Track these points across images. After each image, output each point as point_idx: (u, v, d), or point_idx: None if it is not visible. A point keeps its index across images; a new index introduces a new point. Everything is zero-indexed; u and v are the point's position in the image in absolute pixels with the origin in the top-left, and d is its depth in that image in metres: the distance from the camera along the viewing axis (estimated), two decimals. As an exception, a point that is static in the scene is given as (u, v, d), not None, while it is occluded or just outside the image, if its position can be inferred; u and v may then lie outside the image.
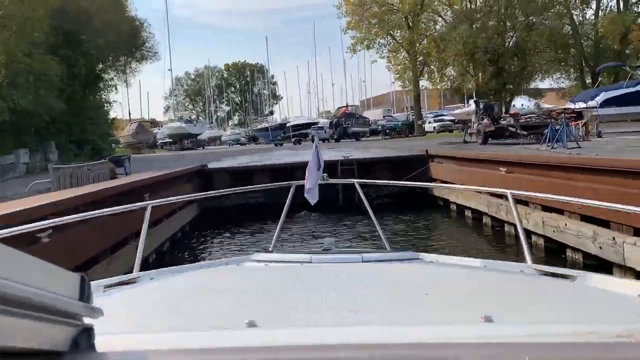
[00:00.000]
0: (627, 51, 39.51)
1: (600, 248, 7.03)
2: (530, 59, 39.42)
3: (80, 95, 25.86)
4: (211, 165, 15.63)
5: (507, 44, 40.34)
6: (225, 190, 4.93)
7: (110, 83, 31.25)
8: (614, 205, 2.35)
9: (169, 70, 67.06)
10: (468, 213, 12.55)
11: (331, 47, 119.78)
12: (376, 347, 0.86)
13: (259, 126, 62.28)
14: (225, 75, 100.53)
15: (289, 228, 11.50)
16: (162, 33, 65.83)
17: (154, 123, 72.51)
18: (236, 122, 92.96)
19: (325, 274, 1.89)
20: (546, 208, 8.73)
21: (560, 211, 8.32)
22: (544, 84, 48.67)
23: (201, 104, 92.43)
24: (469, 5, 42.27)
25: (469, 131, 21.36)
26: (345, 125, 44.92)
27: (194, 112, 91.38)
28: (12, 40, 19.25)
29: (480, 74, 41.11)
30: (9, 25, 19.23)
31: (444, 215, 14.10)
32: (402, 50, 44.98)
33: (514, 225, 10.00)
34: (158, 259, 10.14)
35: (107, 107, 31.46)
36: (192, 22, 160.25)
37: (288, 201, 3.28)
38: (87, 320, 0.82)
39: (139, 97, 79.68)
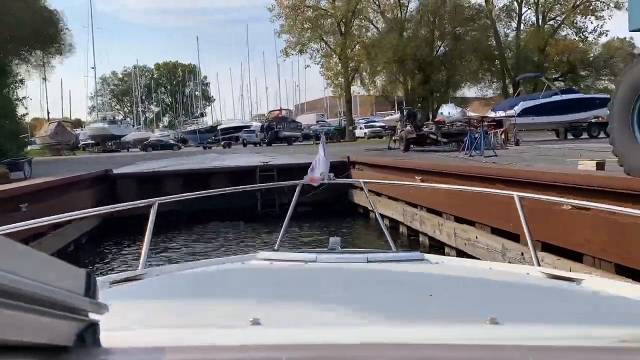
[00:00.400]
0: (546, 63, 41.52)
1: (510, 262, 6.77)
2: (456, 68, 40.59)
3: (-19, 91, 23.67)
4: (116, 171, 14.44)
5: (435, 53, 41.35)
6: (216, 190, 4.35)
7: (17, 78, 28.93)
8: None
9: (92, 68, 63.99)
10: (386, 221, 12.23)
11: (265, 51, 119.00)
12: (380, 347, 0.86)
13: (189, 128, 60.49)
14: (156, 76, 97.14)
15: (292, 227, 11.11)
16: (85, 30, 62.73)
17: (78, 123, 68.83)
18: (166, 123, 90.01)
19: (330, 273, 1.88)
20: (458, 219, 8.47)
21: (472, 223, 8.07)
22: (470, 92, 50.38)
23: (129, 104, 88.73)
24: (399, 14, 42.98)
25: (393, 138, 21.35)
26: (276, 129, 44.37)
27: (121, 112, 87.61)
28: None
29: (409, 82, 41.94)
30: None
31: (364, 223, 13.80)
32: (334, 56, 44.99)
33: (428, 236, 9.75)
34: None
35: (14, 104, 29.03)
36: (120, 20, 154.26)
37: (294, 200, 3.29)
38: (92, 316, 0.82)
39: (60, 96, 75.07)
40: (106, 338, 0.84)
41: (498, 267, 2.12)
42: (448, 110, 52.69)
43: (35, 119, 68.70)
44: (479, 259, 6.59)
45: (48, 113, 62.67)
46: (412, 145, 18.95)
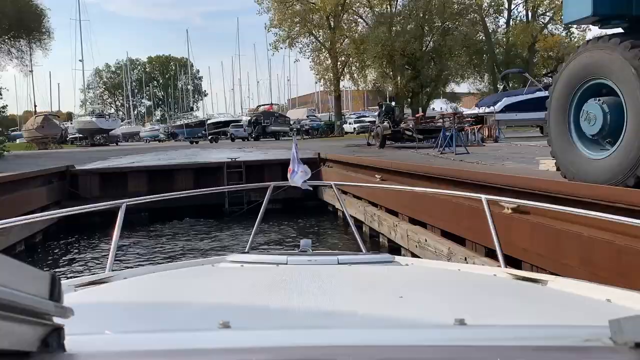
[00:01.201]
0: (535, 59, 41.28)
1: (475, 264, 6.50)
2: (445, 63, 40.28)
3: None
4: (79, 167, 14.04)
5: (424, 48, 40.99)
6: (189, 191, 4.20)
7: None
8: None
9: (80, 61, 63.42)
10: (351, 221, 11.96)
11: (256, 44, 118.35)
12: (349, 350, 0.86)
13: (178, 122, 60.10)
14: (148, 69, 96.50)
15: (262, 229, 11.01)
16: (73, 23, 62.19)
17: (69, 117, 68.29)
18: (158, 117, 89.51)
19: (300, 276, 1.86)
20: (412, 221, 8.17)
21: (424, 225, 7.78)
22: (461, 88, 50.15)
23: (121, 97, 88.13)
24: (389, 9, 42.62)
25: (372, 134, 21.07)
26: (264, 124, 44.02)
27: (112, 106, 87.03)
28: None
29: (398, 77, 41.62)
30: None
31: (332, 222, 13.53)
32: (323, 50, 44.63)
33: (387, 238, 9.45)
34: None
35: (-7, 97, 28.62)
36: (109, 12, 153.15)
37: (265, 202, 3.26)
38: (57, 320, 0.81)
39: (49, 89, 74.37)
40: (71, 343, 0.82)
41: (466, 268, 2.14)
42: (440, 106, 52.69)
43: (27, 111, 68.31)
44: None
45: (35, 106, 62.11)
46: (390, 141, 18.66)
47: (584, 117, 4.73)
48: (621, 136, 4.38)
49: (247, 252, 2.48)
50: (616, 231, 3.98)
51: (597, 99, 4.63)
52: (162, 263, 2.81)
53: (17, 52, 31.21)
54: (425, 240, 7.40)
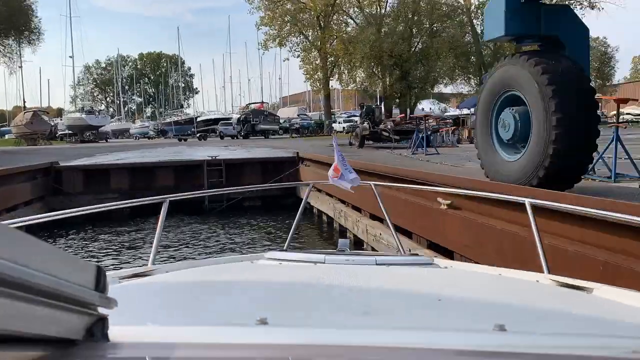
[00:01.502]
0: (520, 62, 41.79)
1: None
2: (433, 65, 40.80)
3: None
4: (63, 163, 14.46)
5: (412, 49, 41.51)
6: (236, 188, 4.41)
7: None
8: None
9: (70, 57, 63.46)
10: (324, 217, 12.48)
11: (247, 42, 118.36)
12: (386, 351, 0.86)
13: (168, 120, 60.27)
14: (139, 66, 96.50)
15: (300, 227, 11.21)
16: (63, 19, 62.13)
17: (59, 113, 68.24)
18: (149, 114, 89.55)
19: (338, 275, 1.86)
20: (372, 217, 8.71)
21: (381, 220, 8.31)
22: (449, 89, 50.73)
23: (112, 94, 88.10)
24: (378, 10, 43.08)
25: (353, 134, 21.60)
26: (253, 122, 44.35)
27: (103, 102, 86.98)
28: None
29: (387, 77, 42.11)
30: None
31: (308, 218, 14.00)
32: (313, 50, 45.02)
33: (353, 233, 9.99)
34: None
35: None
36: (99, 8, 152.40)
37: (304, 200, 3.36)
38: (101, 310, 0.82)
39: (38, 85, 74.44)
40: (114, 333, 0.85)
41: (507, 273, 2.06)
42: (429, 107, 53.12)
43: (16, 107, 68.23)
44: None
45: (24, 102, 62.11)
46: (369, 141, 19.18)
47: (500, 124, 5.32)
48: (528, 141, 4.97)
49: (286, 250, 2.51)
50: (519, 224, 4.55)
51: (511, 108, 5.21)
52: (202, 259, 2.90)
53: (5, 50, 31.38)
54: (380, 235, 7.94)
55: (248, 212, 14.58)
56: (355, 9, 44.21)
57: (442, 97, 57.78)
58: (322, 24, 43.83)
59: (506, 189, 4.99)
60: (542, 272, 2.06)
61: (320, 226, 12.82)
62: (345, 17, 44.93)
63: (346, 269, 1.98)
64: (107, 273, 0.85)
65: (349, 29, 44.50)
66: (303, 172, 14.79)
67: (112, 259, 10.41)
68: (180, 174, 14.35)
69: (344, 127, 48.07)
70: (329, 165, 11.85)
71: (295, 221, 3.30)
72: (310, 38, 45.13)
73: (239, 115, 52.07)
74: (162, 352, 0.87)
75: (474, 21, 42.94)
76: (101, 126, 51.81)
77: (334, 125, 47.73)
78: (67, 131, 53.70)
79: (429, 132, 14.86)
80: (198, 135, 45.13)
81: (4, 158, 18.03)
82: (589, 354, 0.85)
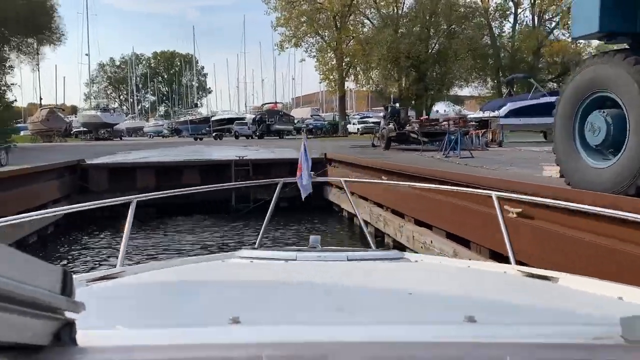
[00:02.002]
0: (540, 65, 41.37)
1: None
2: (450, 67, 40.41)
3: (-34, 76, 23.43)
4: (89, 161, 14.28)
5: (429, 50, 41.13)
6: (195, 188, 4.31)
7: (7, 64, 28.70)
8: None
9: (86, 55, 63.65)
10: (356, 221, 12.15)
11: (262, 42, 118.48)
12: (360, 346, 0.86)
13: (182, 119, 60.25)
14: (153, 64, 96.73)
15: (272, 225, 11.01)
16: (80, 17, 62.40)
17: (73, 110, 68.52)
18: (162, 113, 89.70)
19: (310, 272, 1.87)
20: (418, 222, 8.38)
21: (430, 227, 7.98)
22: (464, 91, 50.27)
23: (125, 92, 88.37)
24: (395, 10, 42.75)
25: (377, 135, 21.26)
26: (268, 122, 44.18)
27: (117, 100, 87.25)
28: None
29: (403, 78, 41.77)
30: None
31: (337, 221, 13.72)
32: (329, 51, 44.77)
33: (392, 238, 9.67)
34: None
35: (1, 90, 28.83)
36: (115, 7, 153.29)
37: (274, 199, 3.32)
38: (68, 315, 0.81)
39: (54, 82, 74.96)
40: (82, 337, 0.83)
41: (476, 265, 2.13)
42: (444, 109, 52.69)
43: (32, 104, 68.66)
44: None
45: (40, 99, 62.34)
46: (394, 143, 18.84)
47: (588, 127, 4.96)
48: (623, 147, 4.60)
49: (257, 249, 2.52)
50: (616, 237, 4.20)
51: (602, 111, 4.84)
52: (173, 258, 2.86)
53: (26, 48, 31.40)
54: (431, 242, 7.60)
55: (275, 212, 14.30)
56: (372, 9, 43.94)
57: (457, 100, 57.31)
58: (338, 25, 43.60)
59: (593, 199, 4.63)
60: (510, 263, 2.13)
61: (351, 230, 12.50)
62: (361, 17, 44.68)
63: (318, 266, 1.99)
64: (74, 276, 0.84)
65: (365, 29, 44.29)
66: (332, 173, 14.48)
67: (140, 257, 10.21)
68: (206, 173, 14.09)
69: (358, 129, 47.81)
70: (359, 166, 11.67)
71: (265, 219, 3.26)
72: (326, 38, 44.89)
73: (253, 115, 51.95)
74: (131, 356, 0.85)
75: (492, 23, 42.61)
76: (116, 124, 51.90)
77: (348, 126, 47.45)
78: (81, 128, 53.86)
79: (462, 135, 14.49)
80: (214, 134, 45.00)
81: (26, 155, 17.90)
82: (556, 341, 0.87)
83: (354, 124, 49.64)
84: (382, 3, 42.51)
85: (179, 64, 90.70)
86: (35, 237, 10.52)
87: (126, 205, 2.62)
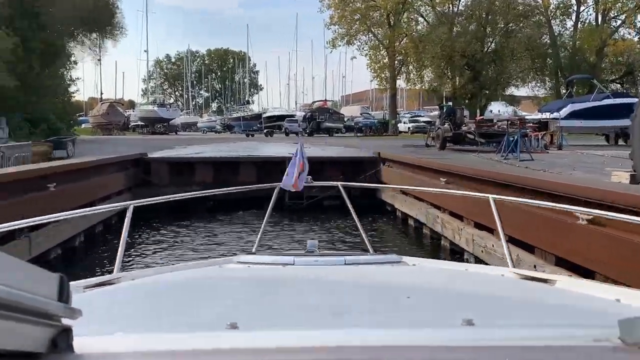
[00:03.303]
0: (602, 65, 39.63)
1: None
2: (506, 66, 39.36)
3: (36, 71, 24.66)
4: (151, 155, 14.78)
5: (485, 49, 40.20)
6: (202, 192, 4.47)
7: (73, 59, 30.09)
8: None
9: (144, 51, 65.80)
10: (411, 222, 12.03)
11: (313, 40, 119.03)
12: (358, 350, 0.87)
13: (235, 115, 61.34)
14: (207, 61, 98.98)
15: (270, 229, 11.07)
16: (139, 14, 64.64)
17: (131, 105, 71.09)
18: (215, 109, 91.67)
19: (308, 277, 1.87)
20: (478, 225, 8.21)
21: (490, 230, 7.81)
22: (520, 91, 48.82)
23: (180, 88, 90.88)
24: (451, 8, 42.01)
25: (431, 135, 20.95)
26: (319, 120, 44.37)
27: (172, 96, 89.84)
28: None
29: (457, 78, 41.00)
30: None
31: (390, 222, 13.60)
32: (381, 49, 44.49)
33: (449, 241, 9.53)
34: (67, 254, 9.38)
35: (68, 84, 30.22)
36: (172, 5, 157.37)
37: (271, 203, 3.27)
38: (65, 321, 0.81)
39: (114, 77, 78.27)
40: (79, 344, 0.83)
41: (474, 268, 2.14)
42: (498, 109, 51.47)
43: (92, 98, 71.75)
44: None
45: (101, 93, 65.00)
46: (449, 144, 18.53)
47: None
48: None
49: (254, 253, 2.50)
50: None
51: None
52: (170, 264, 2.86)
53: (91, 43, 32.80)
54: (492, 246, 7.45)
55: (327, 211, 14.32)
56: (427, 7, 43.32)
57: (512, 100, 55.73)
58: (391, 22, 43.25)
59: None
60: (507, 266, 2.12)
61: (406, 231, 12.38)
62: (415, 15, 44.12)
63: (316, 270, 1.98)
64: (71, 282, 0.83)
65: (419, 27, 43.70)
66: (386, 173, 14.39)
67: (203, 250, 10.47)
68: (262, 169, 14.30)
69: (409, 127, 47.25)
70: (415, 167, 11.46)
71: (262, 224, 3.23)
72: (379, 36, 44.61)
73: (303, 113, 52.27)
74: None
75: (552, 21, 41.16)
76: (172, 119, 53.42)
77: (398, 125, 47.00)
78: (139, 122, 55.71)
79: (521, 137, 14.09)
80: (265, 131, 45.55)
81: (88, 147, 18.72)
82: (554, 344, 0.87)
83: (404, 122, 49.09)
84: (437, 1, 41.82)
85: (232, 61, 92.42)
86: (101, 226, 10.96)
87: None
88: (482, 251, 7.82)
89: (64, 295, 0.79)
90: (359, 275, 1.93)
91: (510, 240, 7.20)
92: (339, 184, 3.53)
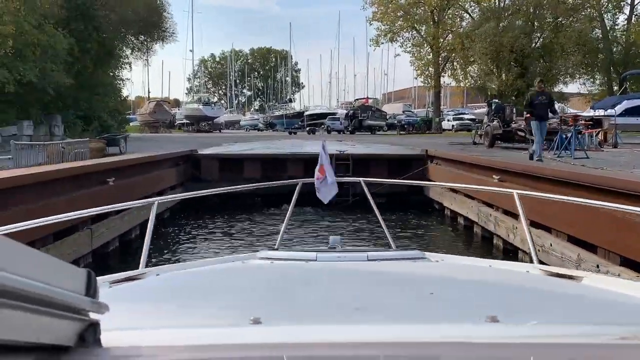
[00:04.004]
0: (660, 60, 37.90)
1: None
2: (556, 62, 38.16)
3: (90, 70, 25.60)
4: (201, 151, 15.13)
5: (533, 44, 39.12)
6: (237, 187, 4.61)
7: (124, 61, 31.05)
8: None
9: (190, 51, 67.22)
10: (460, 220, 11.87)
11: (355, 37, 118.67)
12: (381, 346, 0.86)
13: (277, 113, 61.90)
14: (250, 60, 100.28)
15: (292, 225, 11.17)
16: (185, 15, 66.09)
17: (176, 103, 72.89)
18: (257, 107, 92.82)
19: (331, 272, 1.88)
20: (534, 224, 8.02)
21: (548, 229, 7.63)
22: (569, 88, 47.22)
23: (224, 87, 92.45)
24: (497, 3, 41.08)
25: (479, 132, 20.53)
26: (361, 117, 44.28)
27: (216, 95, 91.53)
28: (22, 11, 18.98)
29: (504, 74, 40.06)
30: (17, -4, 18.97)
31: (438, 220, 13.45)
32: (425, 45, 43.98)
33: (503, 239, 9.35)
34: (123, 247, 9.72)
35: (119, 84, 31.24)
36: (217, 5, 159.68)
37: (294, 199, 3.28)
38: (93, 316, 0.82)
39: (160, 76, 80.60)
40: (107, 338, 0.85)
41: (498, 265, 2.11)
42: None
43: (139, 97, 74.01)
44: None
45: (149, 92, 66.89)
46: (498, 142, 18.12)
47: None
48: None
49: (277, 249, 2.52)
50: None
51: None
52: (193, 260, 2.89)
53: (141, 45, 33.77)
54: (550, 245, 7.28)
55: (352, 207, 14.25)
56: (472, 3, 42.51)
57: (561, 97, 53.99)
58: (435, 19, 42.68)
59: None
60: (532, 262, 2.10)
61: (455, 230, 12.22)
62: (460, 11, 43.38)
63: (338, 266, 1.98)
64: (97, 278, 0.84)
65: (464, 23, 42.95)
66: (433, 171, 14.23)
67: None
68: (309, 166, 14.35)
69: (452, 125, 46.52)
70: (466, 164, 11.24)
71: (285, 220, 3.22)
72: (422, 33, 44.10)
73: (344, 110, 52.27)
74: (155, 356, 0.85)
75: (604, 15, 39.62)
76: (216, 117, 54.39)
77: (443, 123, 46.34)
78: (184, 121, 56.98)
79: (576, 134, 13.63)
80: (307, 129, 45.82)
81: (138, 144, 19.30)
82: (580, 341, 0.85)
83: (448, 120, 48.35)
84: (484, -4, 40.98)
85: (274, 59, 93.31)
86: (137, 230, 11.28)
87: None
88: (539, 250, 7.64)
89: (91, 290, 0.80)
90: (381, 271, 1.93)
91: (570, 239, 7.04)
92: (361, 179, 3.47)
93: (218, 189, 3.82)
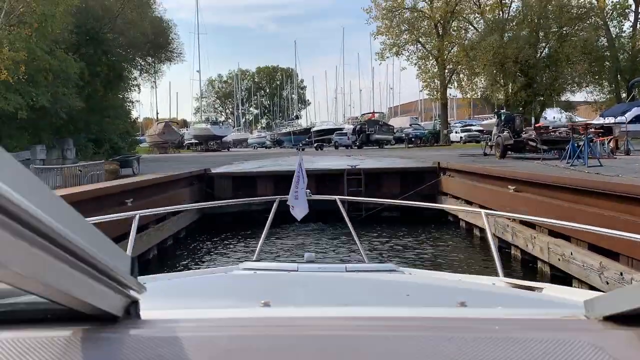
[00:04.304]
0: (667, 66, 37.81)
1: (607, 283, 6.28)
2: (562, 71, 38.16)
3: (101, 93, 25.95)
4: (214, 170, 15.22)
5: (538, 54, 39.18)
6: (214, 202, 4.80)
7: (133, 83, 31.45)
8: (618, 233, 2.47)
9: (197, 71, 67.98)
10: (476, 232, 11.81)
11: (360, 52, 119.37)
12: (363, 321, 0.94)
13: (284, 130, 62.21)
14: (256, 79, 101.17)
15: (271, 240, 11.21)
16: (191, 36, 67.03)
17: (184, 124, 73.54)
18: (264, 125, 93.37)
19: (312, 282, 1.95)
20: (553, 233, 7.99)
21: (567, 238, 7.59)
22: (576, 96, 47.13)
23: (231, 106, 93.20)
24: (501, 14, 41.28)
25: (489, 143, 20.51)
26: (368, 132, 44.33)
27: (223, 114, 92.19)
28: (33, 37, 19.33)
29: (510, 85, 40.08)
30: (29, 22, 19.33)
31: (453, 233, 13.38)
32: (431, 58, 44.20)
33: (520, 249, 9.31)
34: (142, 268, 9.79)
35: (128, 106, 31.59)
36: (222, 25, 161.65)
37: (271, 214, 3.44)
38: (133, 294, 0.91)
39: (168, 97, 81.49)
40: (144, 314, 0.94)
41: (466, 278, 2.27)
42: (553, 115, 49.79)
43: (147, 118, 74.67)
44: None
45: (157, 114, 67.51)
46: (509, 152, 18.10)
47: None
48: None
49: (257, 260, 2.60)
50: None
51: None
52: (174, 271, 3.01)
53: (148, 67, 34.23)
54: (571, 254, 7.23)
55: (384, 222, 14.26)
56: (476, 15, 42.76)
57: (568, 106, 53.92)
58: (440, 32, 42.94)
59: None
60: (498, 275, 2.26)
61: (471, 241, 12.16)
62: (465, 23, 43.61)
63: (319, 276, 2.07)
64: None
65: (469, 35, 43.14)
66: (446, 183, 14.22)
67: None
68: (321, 182, 14.44)
69: (461, 137, 46.48)
70: (480, 175, 11.20)
71: (263, 233, 3.35)
72: (427, 46, 44.34)
73: (351, 126, 52.42)
74: (192, 327, 0.90)
75: (609, 23, 39.65)
76: (224, 136, 54.70)
77: (451, 135, 46.32)
78: (193, 140, 57.36)
79: (587, 143, 13.59)
80: (315, 145, 45.97)
81: (149, 165, 19.47)
82: (532, 317, 1.00)
83: (456, 132, 48.36)
84: (487, 8, 41.22)
85: (279, 77, 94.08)
86: (171, 240, 11.38)
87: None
88: (559, 259, 7.60)
89: (134, 271, 0.90)
90: (360, 281, 2.03)
91: (592, 247, 7.00)
92: (336, 197, 3.53)
93: (196, 204, 3.97)
